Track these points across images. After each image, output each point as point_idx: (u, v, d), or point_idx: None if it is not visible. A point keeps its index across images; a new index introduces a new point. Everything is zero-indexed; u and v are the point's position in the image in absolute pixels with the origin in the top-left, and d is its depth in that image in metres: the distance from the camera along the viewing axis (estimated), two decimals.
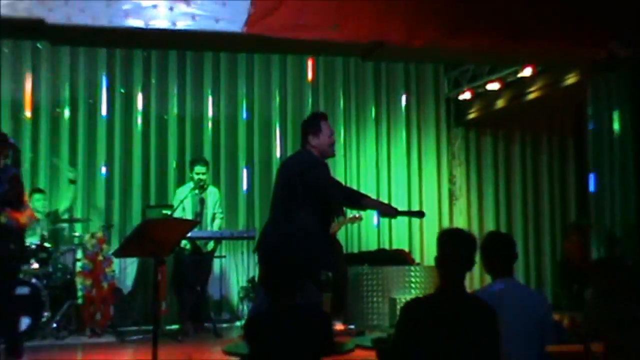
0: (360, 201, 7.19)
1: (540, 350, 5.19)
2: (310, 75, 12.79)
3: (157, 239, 6.72)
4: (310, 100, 12.71)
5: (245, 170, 12.42)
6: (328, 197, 6.93)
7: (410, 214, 8.07)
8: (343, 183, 8.36)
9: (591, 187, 10.66)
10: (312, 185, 6.82)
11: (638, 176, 9.85)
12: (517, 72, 11.21)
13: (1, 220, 7.64)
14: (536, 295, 5.50)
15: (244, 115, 12.47)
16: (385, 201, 12.58)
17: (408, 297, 10.56)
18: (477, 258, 4.87)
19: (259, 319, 5.59)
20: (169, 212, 10.40)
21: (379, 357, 4.87)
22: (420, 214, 8.59)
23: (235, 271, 11.87)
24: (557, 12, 8.99)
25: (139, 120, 12.01)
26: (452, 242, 4.84)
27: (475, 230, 13.23)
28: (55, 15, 7.58)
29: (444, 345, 4.56)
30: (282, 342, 5.04)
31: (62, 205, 10.70)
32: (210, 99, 12.32)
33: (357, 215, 10.57)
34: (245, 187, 12.40)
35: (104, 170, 11.86)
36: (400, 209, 7.60)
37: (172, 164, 12.08)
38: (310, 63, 12.71)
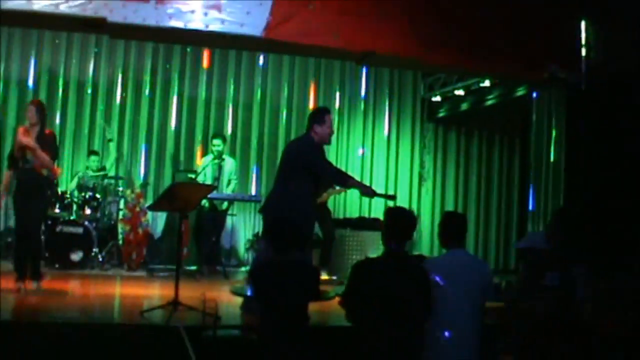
0: (346, 181, 7.36)
1: (482, 305, 5.28)
2: (313, 74, 12.74)
3: (183, 198, 6.88)
4: (311, 94, 12.68)
5: (256, 146, 12.42)
6: (321, 175, 7.03)
7: (385, 196, 8.14)
8: (334, 164, 8.41)
9: (531, 178, 10.78)
10: (309, 165, 6.94)
11: (567, 170, 9.95)
12: (479, 82, 11.27)
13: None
14: (481, 262, 5.59)
15: (258, 102, 12.45)
16: (368, 180, 12.75)
17: None
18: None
19: (262, 268, 5.70)
20: (193, 176, 10.47)
21: (340, 302, 4.96)
22: (393, 197, 8.73)
23: (244, 227, 12.00)
24: (510, 41, 9.15)
25: (175, 101, 12.05)
26: (393, 217, 4.98)
27: (437, 205, 13.38)
28: (114, 16, 7.63)
29: (385, 295, 4.75)
30: (280, 288, 5.14)
31: (108, 163, 10.75)
32: (232, 87, 12.32)
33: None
34: (255, 159, 12.40)
35: (144, 139, 11.91)
36: (379, 190, 7.72)
37: (199, 137, 12.17)
38: (313, 63, 12.64)
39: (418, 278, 4.87)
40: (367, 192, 7.36)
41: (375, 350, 4.66)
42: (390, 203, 8.00)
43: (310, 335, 5.33)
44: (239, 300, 7.07)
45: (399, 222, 4.99)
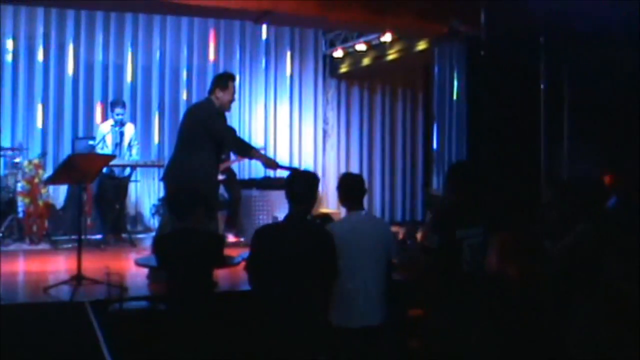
0: (249, 152, 7.34)
1: (387, 263, 5.34)
2: (212, 34, 12.60)
3: (81, 170, 6.76)
4: (212, 54, 12.55)
5: (157, 111, 12.24)
6: (222, 143, 6.99)
7: (288, 168, 8.20)
8: (237, 132, 8.33)
9: (435, 130, 10.92)
10: (211, 132, 6.88)
11: (469, 122, 10.15)
12: (379, 37, 11.27)
13: None
14: (381, 222, 5.66)
15: (157, 64, 12.23)
16: (272, 138, 12.75)
17: None
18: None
19: (164, 238, 5.66)
20: (93, 143, 10.23)
21: (245, 267, 4.98)
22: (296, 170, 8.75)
23: (148, 192, 11.80)
24: None
25: (71, 67, 11.70)
26: (291, 181, 5.00)
27: (342, 161, 13.48)
28: None
29: (287, 261, 4.76)
30: (183, 257, 5.13)
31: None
32: (129, 50, 12.05)
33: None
34: (157, 124, 12.22)
35: (40, 107, 11.55)
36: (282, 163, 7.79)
37: (97, 102, 11.85)
38: (213, 23, 12.49)
39: (321, 241, 4.90)
40: (270, 164, 7.39)
41: (277, 316, 4.70)
42: None
43: (217, 302, 5.34)
44: (146, 269, 7.01)
45: (300, 185, 5.01)
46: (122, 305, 5.78)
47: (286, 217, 5.05)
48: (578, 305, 5.49)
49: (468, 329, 5.12)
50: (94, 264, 7.07)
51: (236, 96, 7.53)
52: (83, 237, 9.64)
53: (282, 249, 4.78)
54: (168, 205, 5.77)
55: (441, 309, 5.22)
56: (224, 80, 7.23)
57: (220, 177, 9.81)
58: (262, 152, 8.22)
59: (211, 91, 7.19)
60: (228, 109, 7.28)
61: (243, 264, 5.85)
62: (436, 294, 5.26)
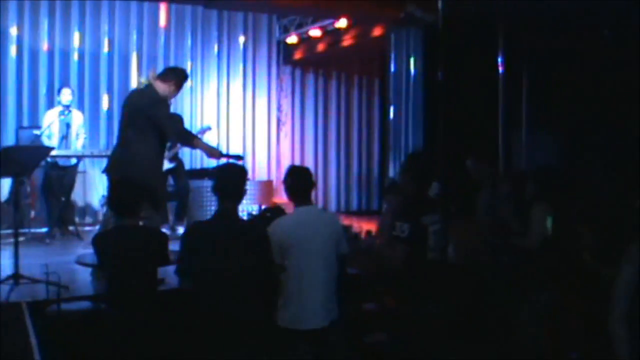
0: (191, 141, 7.10)
1: (337, 260, 5.16)
2: (163, 17, 12.22)
3: (17, 163, 6.42)
4: (162, 39, 12.17)
5: (106, 97, 11.80)
6: (164, 132, 6.69)
7: (232, 156, 7.98)
8: (183, 120, 8.00)
9: (391, 119, 10.75)
10: (152, 120, 6.57)
11: (425, 109, 10.01)
12: (334, 23, 11.02)
13: None
14: (331, 217, 5.43)
15: (106, 51, 11.80)
16: (225, 126, 12.46)
17: (240, 206, 10.43)
18: None
19: (105, 236, 5.39)
20: (38, 132, 9.82)
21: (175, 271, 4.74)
22: (240, 158, 8.53)
23: (97, 182, 11.37)
24: None
25: (13, 51, 11.20)
26: (226, 174, 4.79)
27: (297, 149, 13.28)
28: None
29: (217, 259, 4.60)
30: (125, 256, 4.86)
31: None
32: (76, 35, 11.58)
33: None
34: (106, 111, 11.80)
35: None
36: (225, 151, 7.53)
37: (43, 90, 11.39)
38: (163, 8, 12.10)
39: (252, 238, 4.73)
40: (214, 153, 7.15)
41: (212, 316, 4.51)
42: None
43: (161, 301, 5.06)
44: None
45: (229, 179, 4.76)
46: (60, 306, 5.44)
47: (215, 214, 4.81)
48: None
49: (434, 317, 5.11)
50: (36, 260, 6.72)
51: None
52: (27, 230, 9.43)
53: (213, 248, 4.54)
54: (109, 202, 5.45)
55: (417, 298, 5.15)
56: (180, 78, 6.99)
57: (168, 165, 9.50)
58: (205, 137, 7.89)
59: (164, 79, 6.88)
60: (170, 100, 7.03)
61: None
62: (411, 283, 5.15)
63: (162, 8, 12.16)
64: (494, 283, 6.25)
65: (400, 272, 5.19)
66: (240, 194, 4.85)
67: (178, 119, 8.85)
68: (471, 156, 7.28)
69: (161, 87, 6.82)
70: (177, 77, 6.95)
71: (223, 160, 8.06)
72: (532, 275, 5.72)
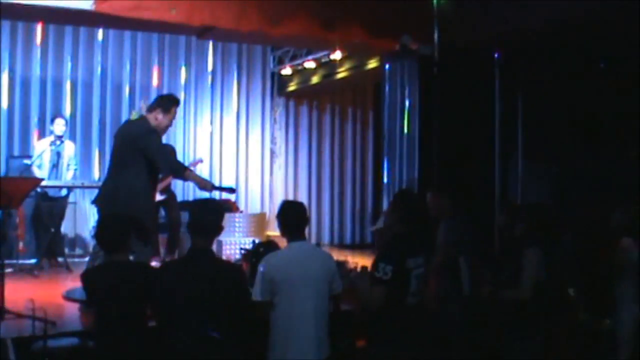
0: (183, 174, 6.95)
1: (329, 297, 5.02)
2: (156, 48, 12.13)
3: (5, 193, 6.23)
4: (155, 72, 12.04)
5: (98, 128, 11.68)
6: (157, 164, 6.56)
7: (224, 189, 7.84)
8: (175, 152, 7.83)
9: (385, 152, 10.64)
10: (143, 151, 6.45)
11: (420, 141, 9.90)
12: (329, 54, 10.94)
13: None
14: (324, 254, 5.25)
15: (99, 80, 11.70)
16: (218, 157, 12.34)
17: (232, 239, 10.35)
18: None
19: (93, 272, 5.23)
20: (29, 162, 9.69)
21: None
22: (232, 190, 8.48)
23: (88, 214, 11.22)
24: (360, 11, 8.89)
25: (5, 80, 11.10)
26: (198, 210, 4.64)
27: (290, 181, 13.17)
28: None
29: (191, 298, 4.45)
30: (113, 292, 4.70)
31: None
32: (69, 64, 11.50)
33: None
34: (97, 142, 11.66)
35: None
36: (217, 183, 7.44)
37: (34, 119, 11.28)
38: (156, 38, 12.01)
39: (227, 276, 4.59)
40: (205, 186, 7.01)
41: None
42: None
43: (151, 337, 4.89)
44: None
45: (202, 216, 4.64)
46: (46, 342, 5.27)
47: (189, 251, 4.67)
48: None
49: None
50: (23, 293, 6.53)
51: (174, 121, 7.11)
52: (15, 261, 9.25)
53: (186, 286, 4.40)
54: (97, 239, 5.29)
55: (388, 342, 4.96)
56: (168, 104, 6.84)
57: (159, 197, 9.36)
58: (197, 169, 7.73)
59: (151, 109, 6.78)
60: (163, 133, 6.89)
61: None
62: (385, 327, 4.97)
63: (156, 39, 12.07)
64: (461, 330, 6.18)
65: (374, 315, 5.03)
66: (213, 230, 4.69)
67: (170, 150, 8.72)
68: (431, 189, 7.15)
69: (151, 118, 6.71)
70: (164, 103, 6.83)
71: (216, 193, 7.93)
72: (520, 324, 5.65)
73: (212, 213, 4.72)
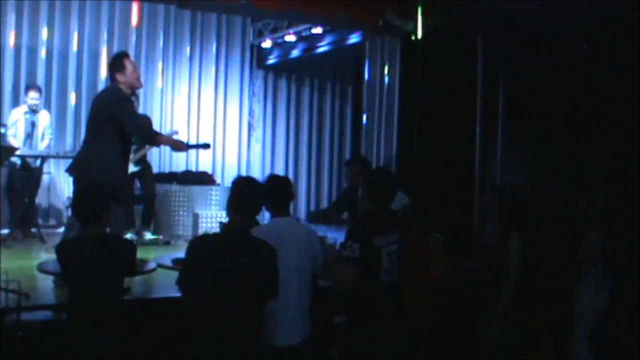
0: (154, 139, 6.87)
1: (312, 275, 5.04)
2: (135, 17, 11.94)
3: None
4: (134, 39, 11.92)
5: (74, 97, 11.50)
6: (126, 130, 6.49)
7: (198, 147, 7.73)
8: (149, 121, 7.65)
9: (363, 128, 10.64)
10: (115, 119, 6.38)
11: (399, 117, 9.90)
12: (310, 28, 10.92)
13: None
14: (309, 230, 5.21)
15: (75, 49, 11.49)
16: (195, 129, 12.23)
17: (209, 213, 10.29)
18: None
19: (67, 244, 5.14)
20: (2, 131, 9.55)
21: (177, 282, 4.49)
22: (206, 146, 8.37)
23: (62, 184, 11.09)
24: None
25: None
26: (241, 189, 4.52)
27: (268, 155, 13.12)
28: None
29: (223, 276, 4.33)
30: (88, 265, 4.61)
31: None
32: (45, 32, 11.28)
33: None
34: (73, 111, 11.49)
35: None
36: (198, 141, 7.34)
37: (8, 87, 11.03)
38: (135, 7, 11.83)
39: (263, 257, 4.45)
40: (179, 146, 7.02)
41: (210, 334, 4.30)
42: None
43: (125, 311, 4.83)
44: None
45: (246, 196, 4.53)
46: (19, 316, 5.20)
47: (225, 228, 4.58)
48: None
49: (388, 340, 4.97)
50: None
51: (140, 71, 7.01)
52: None
53: (219, 264, 4.31)
54: (73, 211, 5.18)
55: (361, 320, 5.01)
56: (118, 63, 6.73)
57: (135, 168, 9.28)
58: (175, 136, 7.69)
59: (112, 78, 6.70)
60: (139, 85, 6.87)
61: (157, 269, 5.38)
62: (357, 304, 5.00)
63: (135, 7, 11.89)
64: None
65: (348, 293, 5.02)
66: (253, 210, 4.61)
67: (144, 118, 8.66)
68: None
69: (118, 84, 6.63)
70: (115, 64, 6.73)
71: (192, 151, 7.77)
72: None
73: (254, 193, 4.60)
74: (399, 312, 5.15)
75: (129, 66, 6.67)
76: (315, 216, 7.49)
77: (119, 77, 6.61)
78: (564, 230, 6.77)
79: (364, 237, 4.87)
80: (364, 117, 10.70)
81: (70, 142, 11.34)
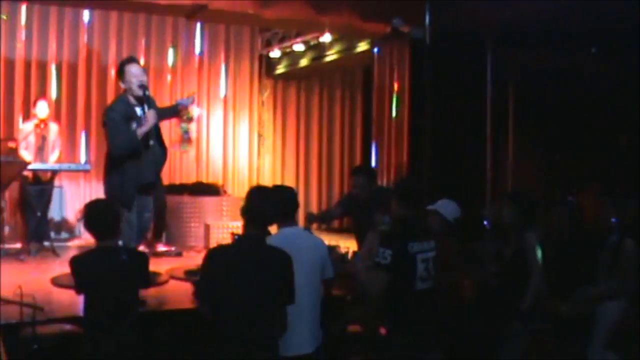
0: (132, 143, 6.63)
1: (321, 282, 5.05)
2: (143, 30, 12.02)
3: None
4: (142, 52, 11.95)
5: (84, 109, 11.56)
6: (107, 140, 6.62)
7: (183, 105, 7.42)
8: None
9: (373, 135, 10.72)
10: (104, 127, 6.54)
11: (409, 123, 9.88)
12: (318, 37, 10.92)
13: None
14: (316, 239, 5.21)
15: (84, 62, 11.57)
16: (204, 140, 12.27)
17: (220, 223, 10.30)
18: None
19: (82, 257, 5.14)
20: (14, 145, 9.63)
21: (193, 293, 4.50)
22: (192, 96, 8.10)
23: (74, 197, 11.15)
24: None
25: None
26: (256, 199, 4.50)
27: (278, 164, 13.15)
28: None
29: (244, 286, 4.32)
30: (103, 278, 4.64)
31: None
32: (54, 45, 11.35)
33: None
34: (83, 124, 11.56)
35: None
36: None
37: (19, 102, 11.13)
38: (143, 19, 11.90)
39: (280, 266, 4.46)
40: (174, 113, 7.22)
41: (229, 343, 4.28)
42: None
43: (140, 323, 4.85)
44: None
45: (261, 205, 4.51)
46: (35, 329, 5.23)
47: (241, 238, 4.59)
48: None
49: (424, 347, 4.89)
50: (11, 279, 6.46)
51: (146, 77, 6.95)
52: (1, 246, 9.17)
53: (237, 274, 4.31)
54: (87, 227, 5.15)
55: (396, 327, 4.93)
56: (119, 70, 6.87)
57: None
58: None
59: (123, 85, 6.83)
60: (139, 91, 6.68)
61: (170, 280, 5.40)
62: (390, 312, 4.92)
63: (143, 20, 11.94)
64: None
65: (379, 300, 4.99)
66: (268, 220, 4.61)
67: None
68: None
69: (124, 89, 6.75)
70: (119, 69, 6.85)
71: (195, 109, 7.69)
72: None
73: (270, 203, 4.57)
74: (435, 319, 5.10)
75: (128, 72, 6.72)
76: (310, 218, 7.42)
77: (121, 84, 6.74)
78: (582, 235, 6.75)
79: (396, 243, 4.82)
80: (374, 124, 10.69)
81: (81, 155, 11.42)
